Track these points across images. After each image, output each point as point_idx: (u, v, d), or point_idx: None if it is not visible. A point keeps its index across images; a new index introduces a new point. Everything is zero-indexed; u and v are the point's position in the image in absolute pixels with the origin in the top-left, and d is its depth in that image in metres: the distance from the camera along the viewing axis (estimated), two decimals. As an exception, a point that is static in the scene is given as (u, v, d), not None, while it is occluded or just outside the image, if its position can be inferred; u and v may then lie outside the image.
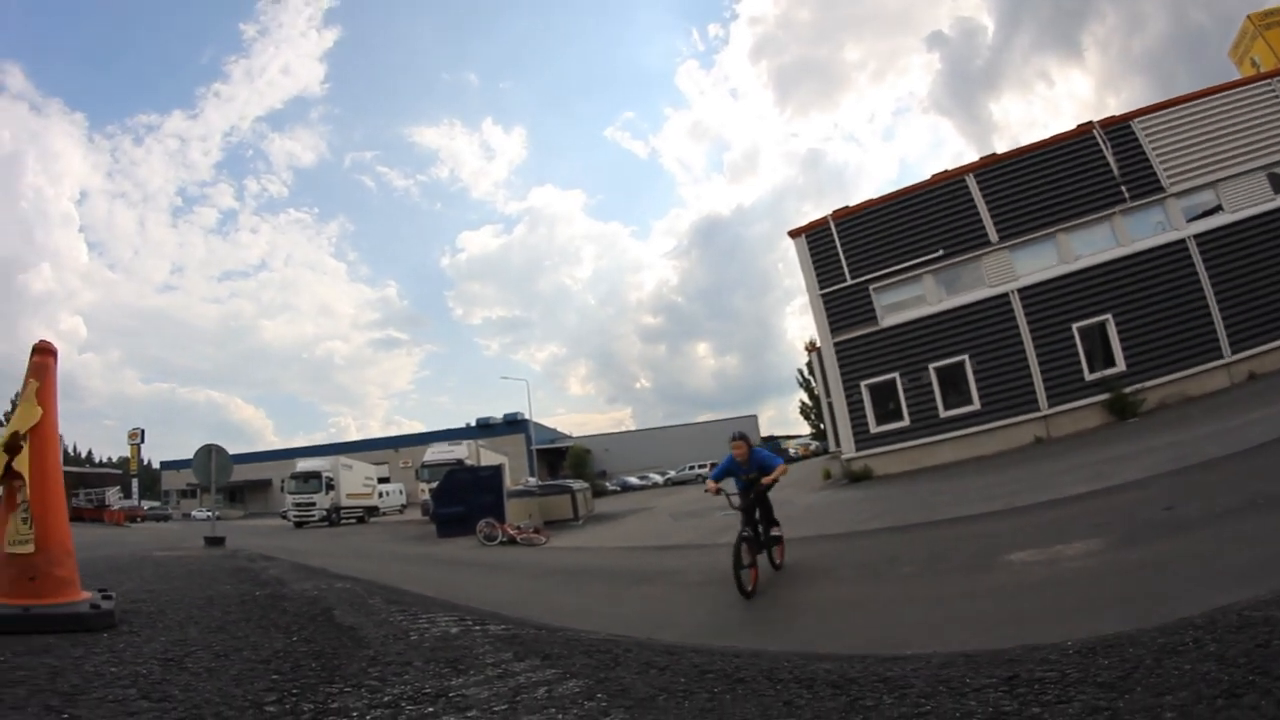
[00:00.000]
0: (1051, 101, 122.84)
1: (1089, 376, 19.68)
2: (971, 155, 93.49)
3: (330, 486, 37.25)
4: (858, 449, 21.95)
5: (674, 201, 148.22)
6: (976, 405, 20.65)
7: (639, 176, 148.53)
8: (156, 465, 74.97)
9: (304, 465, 39.44)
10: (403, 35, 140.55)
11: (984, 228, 21.50)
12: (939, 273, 22.00)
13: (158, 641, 3.23)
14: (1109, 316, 19.78)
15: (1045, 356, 20.15)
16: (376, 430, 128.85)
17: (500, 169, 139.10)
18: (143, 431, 63.49)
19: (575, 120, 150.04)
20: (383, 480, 48.95)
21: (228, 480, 19.92)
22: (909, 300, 22.23)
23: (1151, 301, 19.48)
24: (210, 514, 25.49)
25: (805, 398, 59.41)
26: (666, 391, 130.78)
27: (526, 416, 60.74)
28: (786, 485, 24.75)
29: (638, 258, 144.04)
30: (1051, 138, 21.71)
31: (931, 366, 21.28)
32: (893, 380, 21.72)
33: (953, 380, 21.09)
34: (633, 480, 55.22)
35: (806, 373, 55.26)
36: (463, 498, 23.12)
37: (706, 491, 7.99)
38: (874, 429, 21.82)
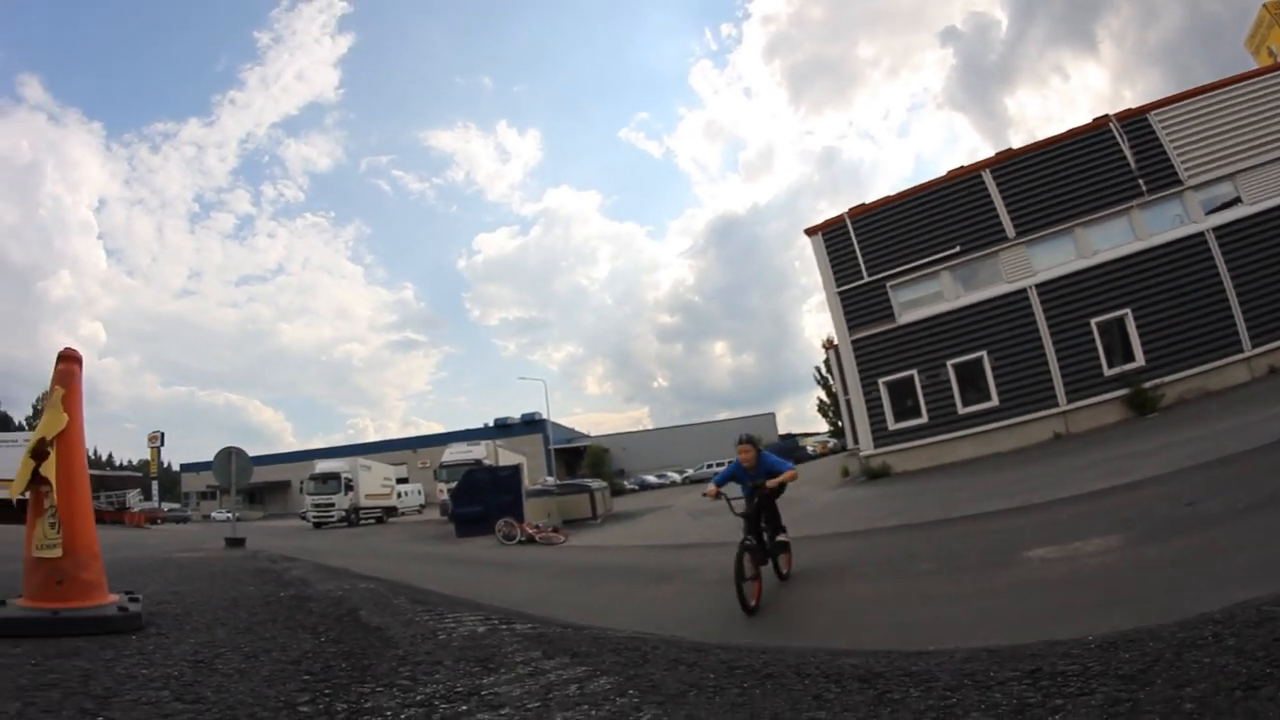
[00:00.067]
0: (1067, 95, 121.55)
1: (1108, 372, 19.56)
2: (987, 151, 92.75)
3: (349, 487, 37.43)
4: (876, 446, 21.91)
5: (689, 201, 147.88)
6: (995, 402, 20.57)
7: (654, 177, 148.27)
8: (176, 468, 75.84)
9: (323, 466, 39.66)
10: (416, 40, 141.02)
11: (1001, 223, 21.41)
12: (956, 269, 21.93)
13: (186, 643, 3.25)
14: (1128, 311, 19.65)
15: (1064, 352, 20.05)
16: (395, 431, 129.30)
17: (515, 171, 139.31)
18: (162, 434, 64.52)
19: (590, 121, 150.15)
20: (401, 481, 49.14)
21: (248, 482, 20.11)
22: (926, 297, 22.18)
23: (1170, 295, 19.33)
24: (230, 515, 25.73)
25: (823, 395, 59.34)
26: (684, 390, 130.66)
27: (544, 416, 60.79)
28: (805, 483, 24.79)
29: (654, 257, 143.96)
30: (1067, 132, 21.57)
31: (949, 363, 21.22)
32: (911, 377, 21.68)
33: (971, 377, 21.01)
34: (650, 479, 55.25)
35: (824, 370, 55.00)
36: (481, 497, 23.22)
37: (705, 496, 7.35)
38: (892, 426, 21.79)
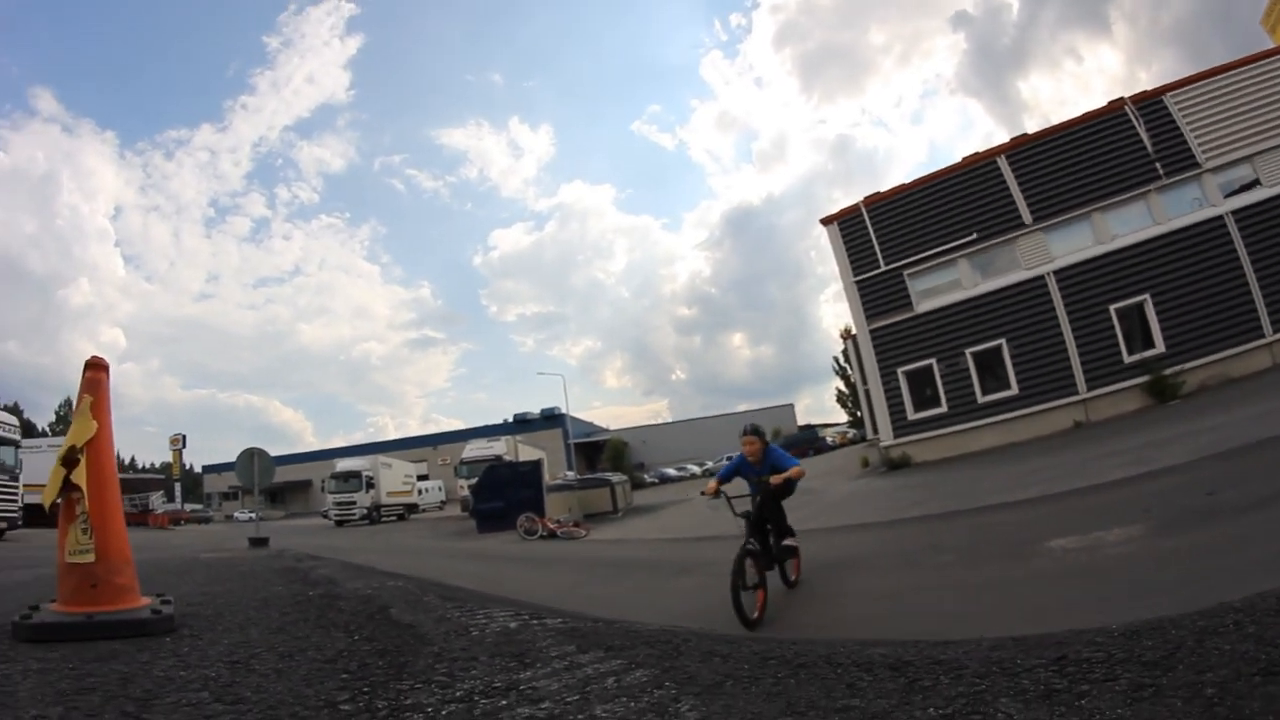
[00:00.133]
0: (1081, 78, 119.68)
1: (1128, 359, 19.41)
2: (1002, 136, 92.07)
3: (370, 485, 37.75)
4: (896, 436, 21.89)
5: (704, 193, 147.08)
6: (1015, 390, 20.48)
7: (668, 169, 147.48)
8: (198, 469, 76.76)
9: (344, 465, 39.98)
10: (425, 39, 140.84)
11: (1017, 210, 21.28)
12: (973, 257, 21.81)
13: (221, 644, 3.28)
14: (1147, 297, 19.48)
15: (1083, 339, 19.92)
16: (414, 429, 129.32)
17: (529, 167, 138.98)
18: (184, 437, 65.16)
19: (602, 115, 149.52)
20: (422, 478, 49.41)
21: (270, 482, 20.37)
22: (944, 285, 22.08)
23: (1190, 280, 19.12)
24: (252, 515, 26.01)
25: (842, 385, 58.96)
26: (702, 382, 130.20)
27: (564, 411, 60.89)
28: (826, 473, 24.79)
29: (670, 250, 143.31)
30: (1082, 115, 21.36)
31: (968, 351, 21.15)
32: (929, 366, 21.63)
33: (990, 365, 20.94)
34: (670, 472, 55.18)
35: (842, 360, 54.77)
36: (502, 493, 23.40)
37: (704, 494, 6.60)
38: (911, 416, 21.75)
